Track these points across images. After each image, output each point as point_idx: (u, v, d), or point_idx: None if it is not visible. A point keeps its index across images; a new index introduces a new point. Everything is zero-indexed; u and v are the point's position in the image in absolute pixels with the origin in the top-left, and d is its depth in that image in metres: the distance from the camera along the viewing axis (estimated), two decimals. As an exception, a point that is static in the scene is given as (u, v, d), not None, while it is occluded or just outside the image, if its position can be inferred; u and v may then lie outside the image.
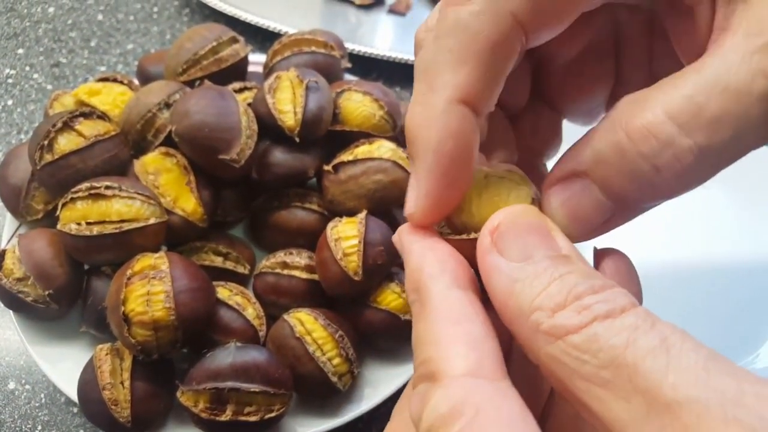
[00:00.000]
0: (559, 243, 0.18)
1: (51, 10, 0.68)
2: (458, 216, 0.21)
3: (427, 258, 0.19)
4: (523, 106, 0.27)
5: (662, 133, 0.17)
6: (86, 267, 0.42)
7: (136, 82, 0.50)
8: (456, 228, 0.22)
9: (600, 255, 0.21)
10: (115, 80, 0.49)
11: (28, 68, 0.63)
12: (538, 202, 0.21)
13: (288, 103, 0.44)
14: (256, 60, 0.54)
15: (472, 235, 0.20)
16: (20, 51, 0.64)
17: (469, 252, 0.20)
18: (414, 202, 0.20)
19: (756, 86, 0.17)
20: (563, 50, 0.25)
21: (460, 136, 0.19)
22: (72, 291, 0.41)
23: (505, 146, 0.26)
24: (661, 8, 0.22)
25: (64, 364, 0.41)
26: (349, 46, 0.62)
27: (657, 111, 0.17)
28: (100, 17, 0.68)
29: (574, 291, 0.16)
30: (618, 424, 0.15)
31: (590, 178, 0.19)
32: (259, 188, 0.47)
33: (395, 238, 0.21)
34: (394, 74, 0.64)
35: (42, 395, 0.45)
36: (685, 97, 0.17)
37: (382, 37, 0.68)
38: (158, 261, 0.37)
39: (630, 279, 0.21)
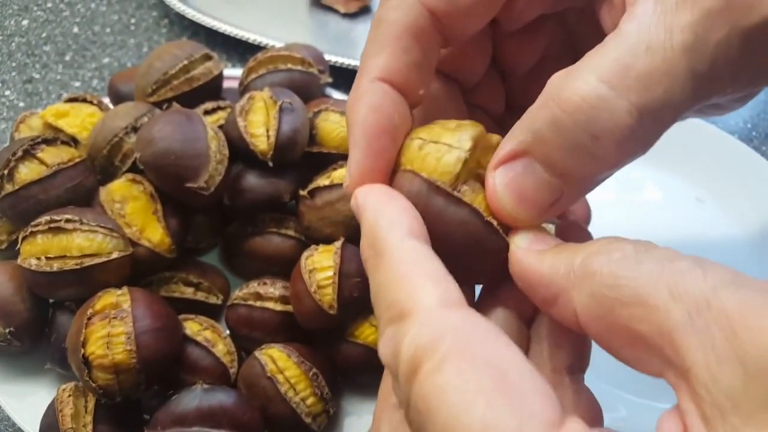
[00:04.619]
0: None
1: (25, 22, 0.66)
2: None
3: (381, 213, 0.20)
4: (501, 114, 0.28)
5: (595, 98, 0.18)
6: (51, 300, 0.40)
7: (106, 101, 0.49)
8: None
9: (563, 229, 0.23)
10: (84, 100, 0.47)
11: None
12: (469, 157, 0.21)
13: (260, 125, 0.42)
14: (237, 75, 0.52)
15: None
16: (-7, 66, 0.62)
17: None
18: (347, 174, 0.21)
19: (676, 41, 0.17)
20: (522, 59, 0.26)
21: (380, 109, 0.21)
22: (35, 327, 0.39)
23: None
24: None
25: (29, 401, 0.40)
26: (333, 58, 0.60)
27: (588, 78, 0.18)
28: (75, 30, 0.66)
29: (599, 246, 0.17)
30: (665, 335, 0.15)
31: (532, 156, 0.19)
32: (233, 213, 0.45)
33: (352, 202, 0.21)
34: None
35: (8, 432, 0.43)
36: (612, 60, 0.18)
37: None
38: (120, 299, 0.36)
39: None
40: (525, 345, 0.22)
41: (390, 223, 0.19)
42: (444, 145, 0.21)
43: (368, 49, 0.22)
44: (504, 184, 0.20)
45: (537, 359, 0.21)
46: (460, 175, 0.20)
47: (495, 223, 0.20)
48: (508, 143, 0.20)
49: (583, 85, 0.18)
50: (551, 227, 0.23)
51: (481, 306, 0.23)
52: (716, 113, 0.26)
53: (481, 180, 0.21)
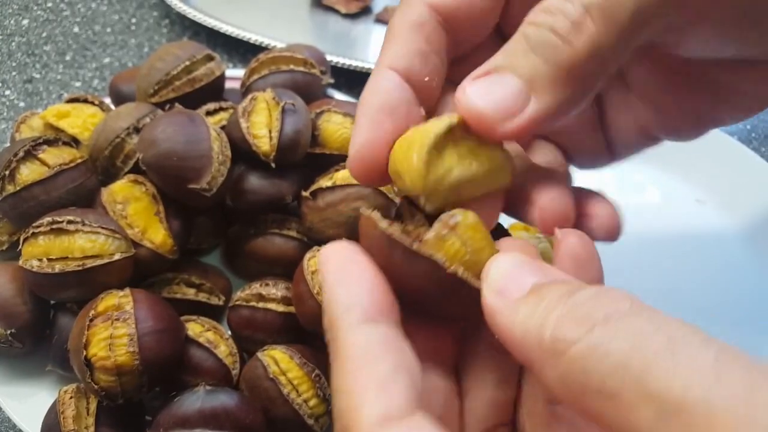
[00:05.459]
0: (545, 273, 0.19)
1: (25, 22, 0.66)
2: (400, 181, 0.22)
3: (338, 289, 0.19)
4: None
5: (553, 6, 0.21)
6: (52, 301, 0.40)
7: (107, 101, 0.49)
8: (405, 194, 0.23)
9: (561, 237, 0.22)
10: (85, 101, 0.47)
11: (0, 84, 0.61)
12: (455, 125, 0.22)
13: (263, 126, 0.42)
14: (238, 75, 0.52)
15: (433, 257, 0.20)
16: (-7, 66, 0.62)
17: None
18: (351, 144, 0.23)
19: None
20: None
21: (380, 91, 0.24)
22: (37, 329, 0.39)
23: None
24: None
25: (30, 403, 0.39)
26: (334, 58, 0.60)
27: None
28: (76, 29, 0.66)
29: (571, 301, 0.17)
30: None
31: (504, 71, 0.21)
32: (235, 214, 0.45)
33: (319, 266, 0.22)
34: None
35: (9, 434, 0.43)
36: None
37: (369, 46, 0.66)
38: (123, 300, 0.35)
39: (588, 262, 0.21)
40: (512, 393, 0.22)
41: (346, 305, 0.19)
42: (431, 123, 0.22)
43: (385, 42, 0.25)
44: (475, 91, 0.21)
45: (529, 390, 0.21)
46: (445, 136, 0.21)
47: (460, 271, 0.19)
48: (485, 64, 0.22)
49: (544, 2, 0.21)
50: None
51: (466, 346, 0.23)
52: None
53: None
